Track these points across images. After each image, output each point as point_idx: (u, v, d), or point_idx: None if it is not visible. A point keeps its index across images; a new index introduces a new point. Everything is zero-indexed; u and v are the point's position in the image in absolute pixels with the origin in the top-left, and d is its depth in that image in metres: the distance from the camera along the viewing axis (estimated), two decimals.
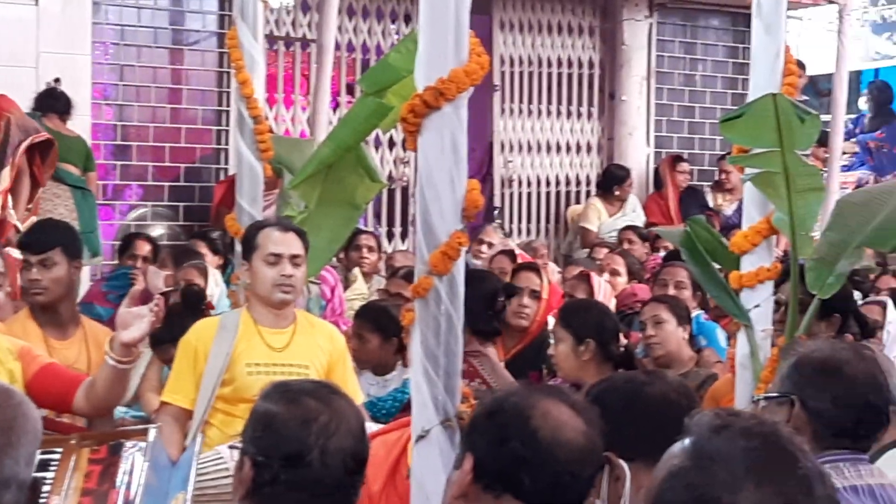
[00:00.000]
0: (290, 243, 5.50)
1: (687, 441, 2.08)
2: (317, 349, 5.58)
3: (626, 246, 10.51)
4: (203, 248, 8.68)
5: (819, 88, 16.13)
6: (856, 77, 16.82)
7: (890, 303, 7.03)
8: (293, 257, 5.48)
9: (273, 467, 2.96)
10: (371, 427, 4.56)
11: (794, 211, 4.73)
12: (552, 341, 5.86)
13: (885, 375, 3.65)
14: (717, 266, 5.17)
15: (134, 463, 3.99)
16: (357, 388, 5.75)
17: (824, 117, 7.54)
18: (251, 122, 6.27)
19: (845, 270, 4.85)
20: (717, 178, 13.44)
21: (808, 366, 3.55)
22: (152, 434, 4.12)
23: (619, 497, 3.16)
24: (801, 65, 13.16)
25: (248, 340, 5.49)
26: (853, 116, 15.22)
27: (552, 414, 2.82)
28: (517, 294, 6.87)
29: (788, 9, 4.94)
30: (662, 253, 10.45)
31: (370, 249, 9.43)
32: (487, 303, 6.25)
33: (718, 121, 4.93)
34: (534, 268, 7.11)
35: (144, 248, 8.77)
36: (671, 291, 7.46)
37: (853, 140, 14.92)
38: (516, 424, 2.82)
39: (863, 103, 15.68)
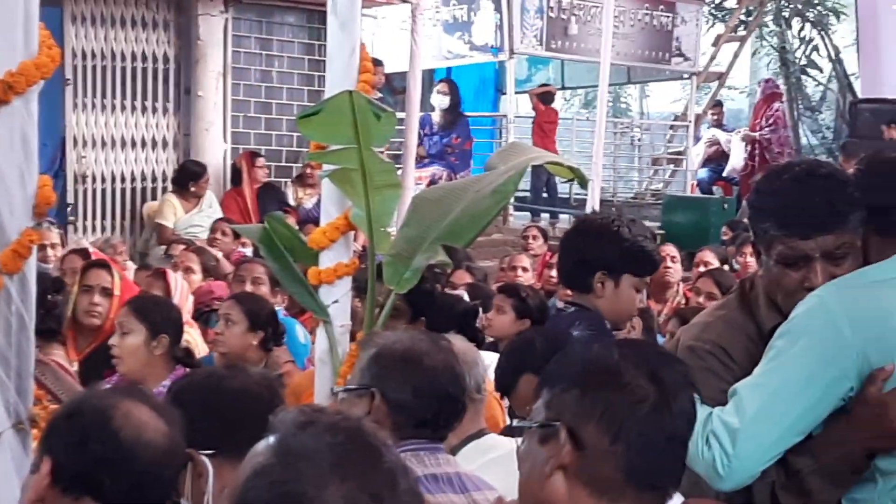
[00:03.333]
0: None
1: (272, 438, 2.07)
2: None
3: (218, 236, 10.49)
4: None
5: (394, 86, 16.46)
6: (429, 75, 17.27)
7: (466, 297, 7.25)
8: None
9: None
10: None
11: (371, 207, 4.78)
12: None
13: (462, 366, 3.75)
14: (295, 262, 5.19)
15: None
16: None
17: (399, 115, 7.67)
18: None
19: (422, 265, 4.94)
20: (298, 173, 13.56)
21: (388, 357, 3.59)
22: None
23: (203, 494, 3.12)
24: (377, 63, 13.40)
25: None
26: (422, 114, 15.57)
27: (133, 415, 2.78)
28: (87, 291, 6.68)
29: (363, 7, 5.00)
30: (242, 248, 10.45)
31: None
32: (38, 301, 6.06)
33: (296, 117, 4.94)
34: (104, 265, 6.93)
35: None
36: (248, 288, 7.44)
37: (420, 145, 15.22)
38: (96, 425, 2.76)
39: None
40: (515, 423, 2.51)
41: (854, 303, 3.31)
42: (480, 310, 6.60)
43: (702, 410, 3.38)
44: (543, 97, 17.72)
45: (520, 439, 2.50)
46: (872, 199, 3.46)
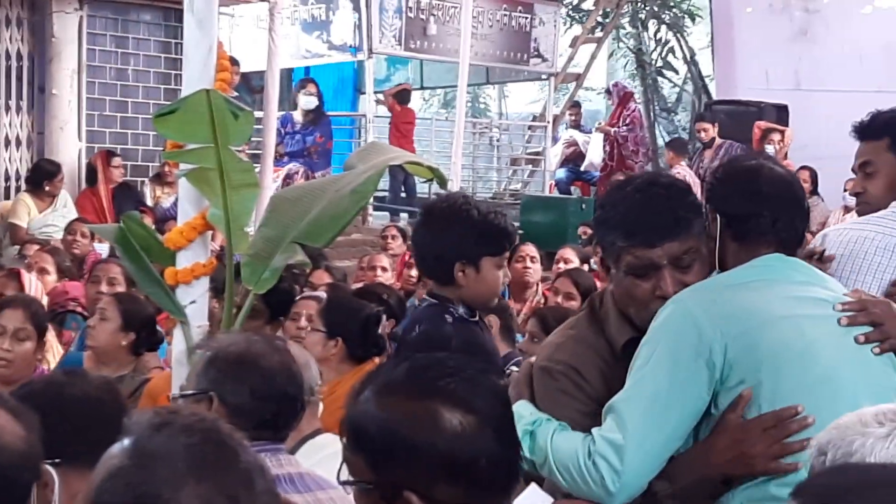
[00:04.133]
0: None
1: (126, 440, 2.05)
2: None
3: (78, 238, 10.34)
4: None
5: (252, 85, 16.37)
6: (287, 74, 17.19)
7: (325, 297, 7.21)
8: None
9: None
10: None
11: (229, 206, 4.76)
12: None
13: (299, 366, 3.75)
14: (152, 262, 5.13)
15: None
16: None
17: (257, 114, 7.63)
18: None
19: (280, 265, 4.92)
20: (155, 172, 13.44)
21: (224, 361, 3.58)
22: None
23: None
24: (234, 61, 13.32)
25: None
26: (283, 113, 15.50)
27: None
28: None
29: (220, 5, 4.97)
30: (98, 244, 10.31)
31: None
32: None
33: (152, 116, 4.89)
34: None
35: None
36: (104, 288, 7.35)
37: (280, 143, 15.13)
38: None
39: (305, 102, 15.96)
40: (342, 478, 2.45)
41: (712, 303, 3.36)
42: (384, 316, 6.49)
43: (571, 434, 3.41)
44: (400, 97, 17.70)
45: None
46: (729, 207, 3.52)
